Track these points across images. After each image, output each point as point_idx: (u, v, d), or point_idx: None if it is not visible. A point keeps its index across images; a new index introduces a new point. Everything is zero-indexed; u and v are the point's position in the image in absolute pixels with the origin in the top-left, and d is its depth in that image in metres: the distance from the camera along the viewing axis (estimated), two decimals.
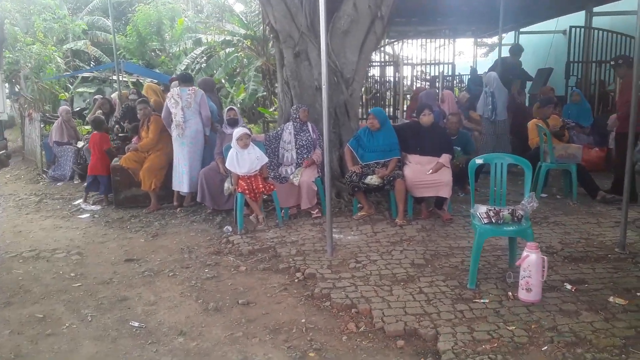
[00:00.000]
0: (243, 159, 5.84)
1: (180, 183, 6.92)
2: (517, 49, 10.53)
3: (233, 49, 16.72)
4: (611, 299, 3.81)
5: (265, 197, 6.21)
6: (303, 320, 3.71)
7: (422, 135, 6.10)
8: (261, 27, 16.39)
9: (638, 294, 3.91)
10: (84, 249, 5.48)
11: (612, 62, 7.16)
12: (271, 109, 14.50)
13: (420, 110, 6.15)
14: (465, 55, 17.70)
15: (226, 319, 3.80)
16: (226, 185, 6.28)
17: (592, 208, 6.42)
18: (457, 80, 14.88)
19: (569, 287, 4.05)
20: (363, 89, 11.25)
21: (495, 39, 24.91)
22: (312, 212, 6.22)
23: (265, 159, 6.07)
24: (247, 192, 5.74)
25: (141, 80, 14.79)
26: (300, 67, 7.28)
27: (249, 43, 15.70)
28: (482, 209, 4.28)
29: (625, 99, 6.00)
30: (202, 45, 17.73)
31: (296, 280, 4.43)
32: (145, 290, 4.37)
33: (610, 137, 8.27)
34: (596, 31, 10.73)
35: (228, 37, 16.96)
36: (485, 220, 4.14)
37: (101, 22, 19.87)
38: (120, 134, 8.17)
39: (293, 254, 4.98)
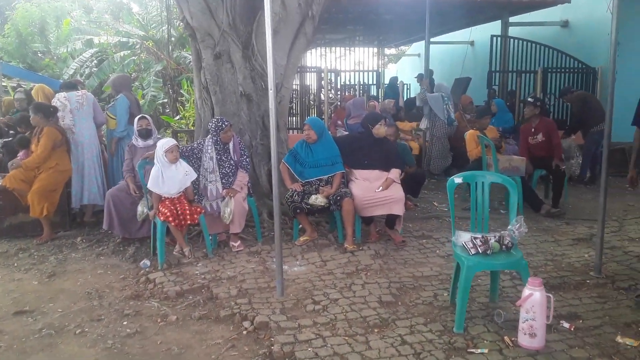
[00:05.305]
0: (171, 177, 4.78)
1: (80, 197, 6.14)
2: None
3: (129, 51, 15.30)
4: (619, 339, 3.32)
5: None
6: None
7: (370, 148, 5.43)
8: (161, 29, 15.18)
9: None
10: None
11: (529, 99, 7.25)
12: (176, 117, 13.29)
13: (376, 121, 5.45)
14: (364, 65, 17.43)
15: None
16: (140, 208, 5.21)
17: (540, 223, 6.09)
18: (361, 89, 14.49)
19: (566, 325, 3.52)
20: None
21: (393, 50, 25.55)
22: (232, 243, 5.21)
23: (194, 174, 5.02)
24: (171, 219, 4.70)
25: (23, 85, 12.99)
26: (222, 70, 6.40)
27: (150, 45, 14.38)
28: (465, 237, 3.65)
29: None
30: (93, 47, 16.07)
31: (245, 333, 3.53)
32: (45, 357, 3.27)
33: None
34: (514, 40, 10.73)
35: (124, 39, 15.50)
36: (473, 251, 3.52)
37: None
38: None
39: (234, 295, 4.06)
